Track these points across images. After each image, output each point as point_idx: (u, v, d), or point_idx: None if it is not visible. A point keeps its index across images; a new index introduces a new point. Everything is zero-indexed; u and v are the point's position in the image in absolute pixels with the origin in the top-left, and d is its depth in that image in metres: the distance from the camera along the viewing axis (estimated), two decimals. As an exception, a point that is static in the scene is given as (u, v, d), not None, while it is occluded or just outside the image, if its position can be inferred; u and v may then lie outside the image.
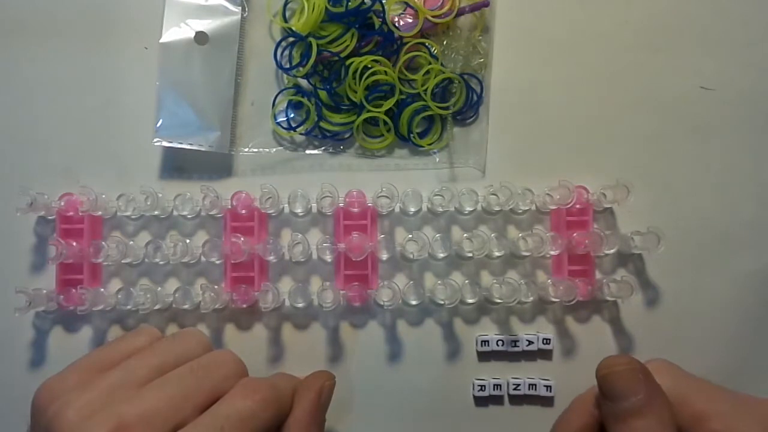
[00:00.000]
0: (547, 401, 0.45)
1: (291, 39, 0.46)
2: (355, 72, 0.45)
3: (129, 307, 0.44)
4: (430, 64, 0.46)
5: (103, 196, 0.45)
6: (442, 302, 0.44)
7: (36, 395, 0.33)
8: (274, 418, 0.33)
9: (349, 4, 0.45)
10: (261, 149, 0.47)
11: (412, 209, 0.45)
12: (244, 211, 0.45)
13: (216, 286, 0.44)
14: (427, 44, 0.46)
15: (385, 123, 0.46)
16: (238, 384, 0.34)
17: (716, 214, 0.46)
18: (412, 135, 0.46)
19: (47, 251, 0.46)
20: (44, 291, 0.44)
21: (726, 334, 0.46)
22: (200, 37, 0.46)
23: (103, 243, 0.43)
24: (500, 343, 0.45)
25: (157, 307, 0.44)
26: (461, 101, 0.46)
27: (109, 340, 0.46)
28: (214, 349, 0.39)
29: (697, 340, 0.46)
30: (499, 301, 0.44)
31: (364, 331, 0.46)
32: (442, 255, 0.44)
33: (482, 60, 0.47)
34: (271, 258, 0.44)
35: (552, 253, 0.44)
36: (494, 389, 0.45)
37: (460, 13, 0.46)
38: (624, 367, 0.33)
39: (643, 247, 0.44)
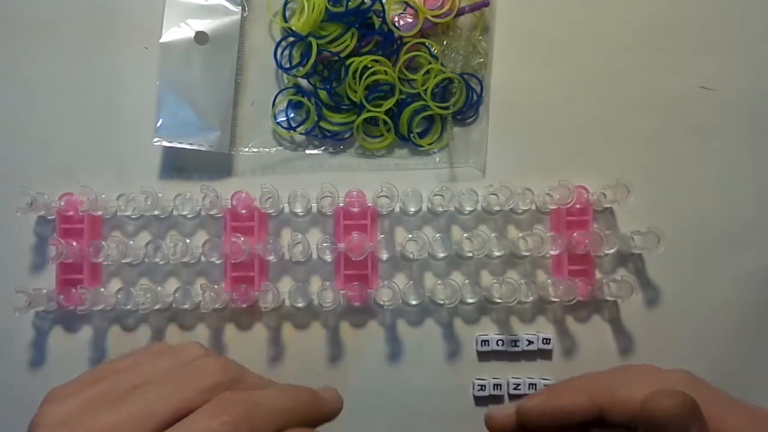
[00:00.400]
0: (547, 401, 0.45)
1: (291, 39, 0.46)
2: (355, 72, 0.45)
3: (129, 306, 0.44)
4: (430, 64, 0.46)
5: (103, 196, 0.45)
6: (442, 302, 0.44)
7: (45, 397, 0.33)
8: None
9: (349, 4, 0.45)
10: (261, 149, 0.47)
11: (412, 209, 0.45)
12: (244, 211, 0.45)
13: (216, 286, 0.44)
14: (427, 44, 0.46)
15: (385, 123, 0.46)
16: (213, 399, 0.29)
17: (716, 214, 0.46)
18: (412, 135, 0.46)
19: (47, 251, 0.46)
20: (44, 291, 0.44)
21: (726, 334, 0.46)
22: (200, 37, 0.46)
23: (103, 243, 0.43)
24: (500, 343, 0.45)
25: (157, 306, 0.44)
26: (461, 101, 0.46)
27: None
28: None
29: (697, 340, 0.46)
30: (499, 301, 0.44)
31: (364, 331, 0.46)
32: (442, 255, 0.44)
33: (482, 60, 0.47)
34: (271, 258, 0.44)
35: (552, 253, 0.44)
36: (494, 389, 0.45)
37: (460, 13, 0.46)
38: (679, 410, 0.30)
39: (643, 247, 0.44)
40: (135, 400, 0.30)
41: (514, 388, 0.45)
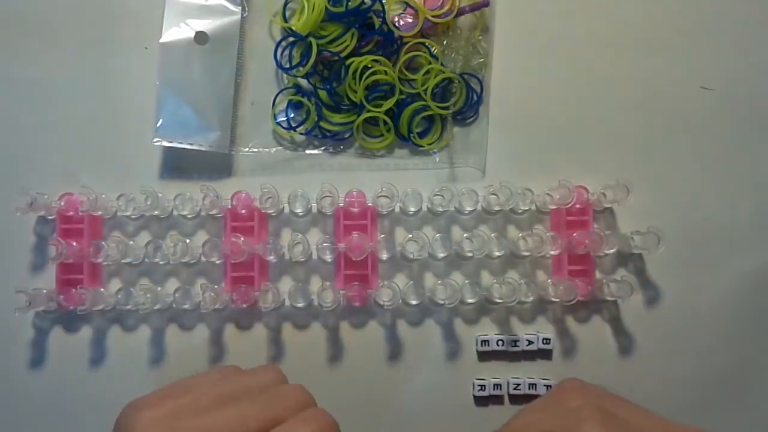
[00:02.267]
0: (547, 401, 0.45)
1: (291, 39, 0.46)
2: (355, 72, 0.45)
3: (129, 307, 0.44)
4: (430, 64, 0.46)
5: (103, 196, 0.45)
6: (442, 302, 0.44)
7: (123, 409, 0.34)
8: None
9: (349, 4, 0.45)
10: (261, 149, 0.47)
11: (412, 209, 0.45)
12: (244, 211, 0.45)
13: (216, 286, 0.44)
14: (427, 44, 0.46)
15: (385, 123, 0.46)
16: (303, 412, 0.34)
17: (716, 214, 0.46)
18: (412, 135, 0.46)
19: (47, 251, 0.46)
20: (44, 291, 0.44)
21: (726, 333, 0.46)
22: (200, 37, 0.46)
23: (103, 243, 0.43)
24: (500, 343, 0.45)
25: (157, 306, 0.44)
26: (461, 101, 0.46)
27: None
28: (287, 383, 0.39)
29: (697, 340, 0.46)
30: (499, 301, 0.44)
31: (364, 331, 0.46)
32: (442, 255, 0.44)
33: (482, 60, 0.47)
34: (271, 258, 0.44)
35: (552, 253, 0.44)
36: (494, 389, 0.45)
37: (460, 13, 0.46)
38: None
39: (643, 247, 0.44)
40: (228, 409, 0.33)
41: (514, 388, 0.45)
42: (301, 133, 0.47)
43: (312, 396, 0.36)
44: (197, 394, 0.34)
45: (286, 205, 0.45)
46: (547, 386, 0.45)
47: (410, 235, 0.44)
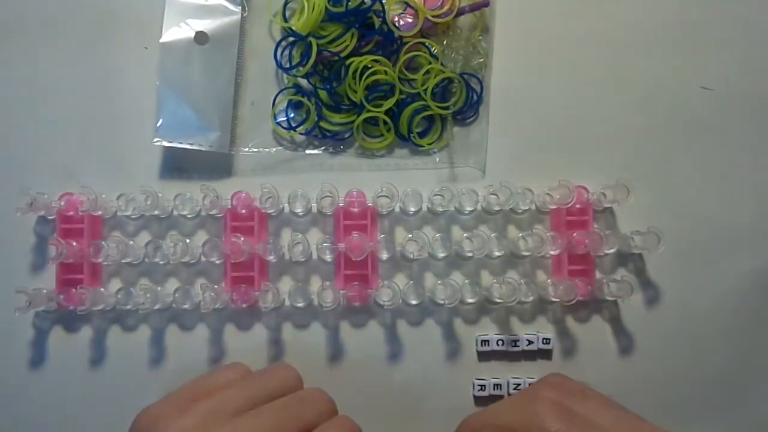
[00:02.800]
0: (547, 401, 0.45)
1: (291, 39, 0.46)
2: (355, 72, 0.45)
3: (129, 307, 0.44)
4: (430, 63, 0.46)
5: (103, 196, 0.45)
6: (442, 302, 0.44)
7: (136, 419, 0.33)
8: None
9: (349, 4, 0.45)
10: (261, 149, 0.47)
11: (412, 209, 0.45)
12: (244, 211, 0.45)
13: (216, 286, 0.44)
14: (427, 44, 0.46)
15: (385, 123, 0.46)
16: (335, 418, 0.36)
17: (716, 214, 0.46)
18: (412, 135, 0.46)
19: (47, 251, 0.46)
20: (44, 291, 0.44)
21: (726, 333, 0.46)
22: (200, 37, 0.46)
23: (103, 243, 0.43)
24: (500, 343, 0.45)
25: (157, 307, 0.44)
26: (461, 101, 0.46)
27: (199, 375, 0.42)
28: (304, 385, 0.40)
29: (697, 340, 0.46)
30: (499, 301, 0.44)
31: (364, 331, 0.46)
32: (442, 255, 0.44)
33: (482, 60, 0.47)
34: (271, 258, 0.44)
35: (552, 253, 0.44)
36: (494, 389, 0.45)
37: (460, 13, 0.46)
38: None
39: (643, 247, 0.44)
40: (262, 415, 0.34)
41: (514, 388, 0.45)
42: (301, 133, 0.47)
43: (334, 401, 0.37)
44: (223, 399, 0.34)
45: (286, 205, 0.45)
46: None
47: (410, 235, 0.44)
